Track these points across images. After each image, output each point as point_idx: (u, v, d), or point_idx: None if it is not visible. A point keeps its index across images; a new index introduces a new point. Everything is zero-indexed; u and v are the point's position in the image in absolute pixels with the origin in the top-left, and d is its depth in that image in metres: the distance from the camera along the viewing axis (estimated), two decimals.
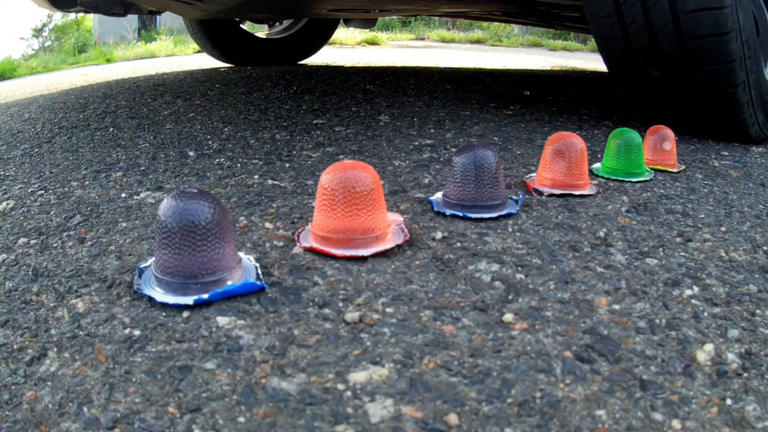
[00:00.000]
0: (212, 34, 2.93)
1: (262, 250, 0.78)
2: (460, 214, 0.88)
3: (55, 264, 0.77)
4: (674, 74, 1.33)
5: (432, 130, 1.46)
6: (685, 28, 1.23)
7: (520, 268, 0.74)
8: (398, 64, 3.42)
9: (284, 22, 3.24)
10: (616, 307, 0.66)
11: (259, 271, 0.70)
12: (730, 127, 1.40)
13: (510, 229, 0.85)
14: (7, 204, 1.01)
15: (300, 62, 3.30)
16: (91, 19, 11.49)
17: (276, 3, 2.01)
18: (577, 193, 1.00)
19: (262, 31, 3.37)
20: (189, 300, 0.63)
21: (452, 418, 0.49)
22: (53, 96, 2.27)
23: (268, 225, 0.87)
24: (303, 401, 0.51)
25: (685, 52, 1.27)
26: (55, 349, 0.59)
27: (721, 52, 1.23)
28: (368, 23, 3.35)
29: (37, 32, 12.84)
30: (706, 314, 0.66)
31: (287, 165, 1.17)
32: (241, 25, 3.09)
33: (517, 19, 2.69)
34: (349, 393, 0.52)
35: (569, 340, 0.60)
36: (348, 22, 3.32)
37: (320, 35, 3.34)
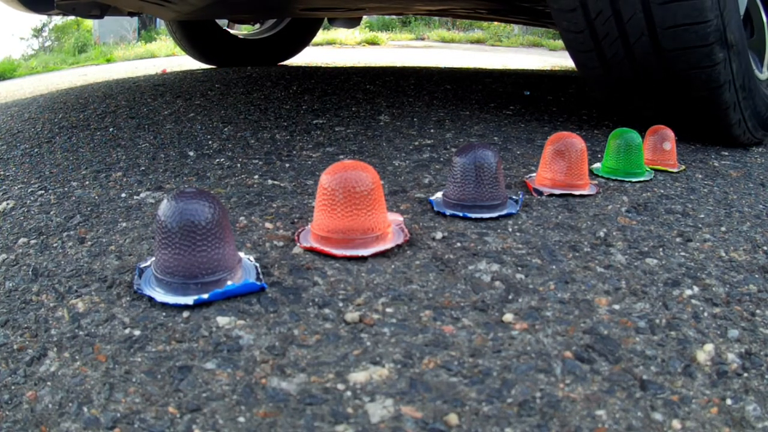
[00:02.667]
0: (191, 35, 2.89)
1: (262, 250, 0.78)
2: (460, 214, 0.88)
3: (55, 264, 0.77)
4: (668, 116, 1.37)
5: (432, 130, 1.46)
6: (677, 85, 1.25)
7: (520, 268, 0.74)
8: (398, 64, 3.42)
9: (267, 22, 3.20)
10: (616, 307, 0.66)
11: (259, 271, 0.70)
12: (725, 142, 1.44)
13: (510, 229, 0.85)
14: (7, 204, 1.01)
15: (281, 63, 3.26)
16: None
17: (247, 3, 1.99)
18: (577, 193, 1.00)
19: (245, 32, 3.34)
20: (189, 300, 0.63)
21: (452, 418, 0.49)
22: (53, 96, 2.27)
23: (268, 225, 0.87)
24: (303, 401, 0.51)
25: (679, 103, 1.30)
26: (55, 349, 0.59)
27: (715, 102, 1.25)
28: (352, 22, 3.31)
29: (37, 32, 12.84)
30: (706, 314, 0.66)
31: (287, 165, 1.17)
32: (228, 28, 3.06)
33: (505, 17, 2.65)
34: (349, 393, 0.52)
35: (569, 340, 0.60)
36: (332, 22, 3.29)
37: (302, 36, 3.30)
